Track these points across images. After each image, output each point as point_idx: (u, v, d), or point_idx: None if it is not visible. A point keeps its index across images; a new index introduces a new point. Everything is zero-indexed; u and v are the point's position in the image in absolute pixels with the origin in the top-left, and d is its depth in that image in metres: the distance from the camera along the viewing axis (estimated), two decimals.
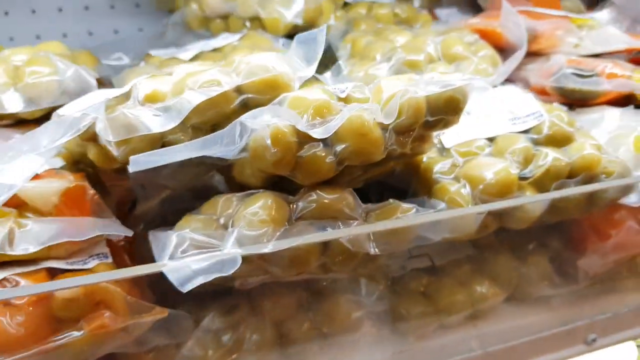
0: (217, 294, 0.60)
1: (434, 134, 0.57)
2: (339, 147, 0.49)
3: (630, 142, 0.64)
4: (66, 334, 0.47)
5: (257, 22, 0.79)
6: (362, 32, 0.80)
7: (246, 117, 0.46)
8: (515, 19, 0.71)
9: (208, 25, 0.86)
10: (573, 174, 0.60)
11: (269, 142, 0.46)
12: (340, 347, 0.62)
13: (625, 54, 0.79)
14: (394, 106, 0.49)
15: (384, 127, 0.51)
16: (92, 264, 0.51)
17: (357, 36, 0.78)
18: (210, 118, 0.50)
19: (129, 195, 0.66)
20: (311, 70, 0.52)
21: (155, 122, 0.48)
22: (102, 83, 0.74)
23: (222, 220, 0.50)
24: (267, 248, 0.47)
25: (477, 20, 0.80)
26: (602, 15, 0.93)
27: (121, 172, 0.53)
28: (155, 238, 0.49)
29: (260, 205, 0.49)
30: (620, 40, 0.75)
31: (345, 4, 0.91)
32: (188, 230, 0.48)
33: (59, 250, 0.50)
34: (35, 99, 0.61)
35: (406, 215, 0.53)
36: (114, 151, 0.48)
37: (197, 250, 0.47)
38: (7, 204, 0.47)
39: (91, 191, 0.52)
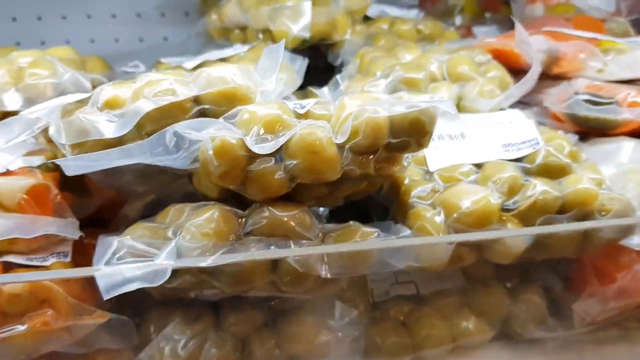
0: (184, 304, 0.60)
1: (405, 156, 0.54)
2: (290, 164, 0.48)
3: (638, 179, 0.58)
4: (9, 328, 0.48)
5: (268, 34, 0.79)
6: (374, 48, 0.78)
7: (184, 127, 0.45)
8: (528, 40, 0.66)
9: (228, 35, 0.87)
10: (566, 209, 0.55)
11: (211, 153, 0.46)
12: None
13: None
14: (347, 125, 0.47)
15: (341, 146, 0.49)
16: (50, 261, 0.53)
17: (366, 51, 0.76)
18: (166, 126, 0.50)
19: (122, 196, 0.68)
20: (270, 84, 0.51)
21: (109, 128, 0.49)
22: None
23: (170, 230, 0.50)
24: (201, 262, 0.46)
25: (493, 40, 0.76)
26: None
27: None
28: (102, 242, 0.49)
29: (206, 218, 0.48)
30: None
31: (368, 19, 0.89)
32: (129, 237, 0.48)
33: (20, 245, 0.52)
34: (34, 99, 0.64)
35: (365, 240, 0.51)
36: (68, 154, 0.49)
37: (134, 258, 0.47)
38: None
39: (55, 191, 0.54)
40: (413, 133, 0.50)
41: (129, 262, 0.46)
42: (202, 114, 0.51)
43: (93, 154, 0.44)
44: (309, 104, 0.51)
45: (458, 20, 1.09)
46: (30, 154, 0.59)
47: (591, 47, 0.69)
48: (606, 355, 0.64)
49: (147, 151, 0.44)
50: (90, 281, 0.53)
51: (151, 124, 0.49)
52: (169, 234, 0.49)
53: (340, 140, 0.48)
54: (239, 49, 0.78)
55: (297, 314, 0.60)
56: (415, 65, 0.68)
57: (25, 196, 0.52)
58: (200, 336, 0.58)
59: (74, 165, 0.44)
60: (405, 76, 0.67)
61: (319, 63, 0.91)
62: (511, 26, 1.04)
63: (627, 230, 0.55)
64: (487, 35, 1.01)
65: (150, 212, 0.59)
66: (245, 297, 0.60)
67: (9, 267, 0.50)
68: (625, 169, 0.60)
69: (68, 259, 0.54)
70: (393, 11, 0.91)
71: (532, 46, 0.65)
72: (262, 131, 0.47)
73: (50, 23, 1.21)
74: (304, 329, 0.59)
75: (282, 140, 0.47)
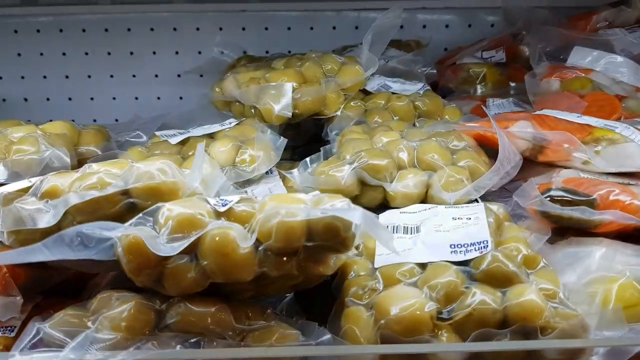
0: None
1: (331, 257, 0.52)
2: (203, 263, 0.48)
3: (602, 291, 0.53)
4: None
5: (258, 110, 0.81)
6: (355, 128, 0.77)
7: (92, 227, 0.47)
8: (500, 132, 0.63)
9: (229, 107, 0.90)
10: (507, 323, 0.51)
11: (120, 250, 0.47)
12: None
13: None
14: (255, 228, 0.47)
15: (256, 247, 0.49)
16: None
17: (347, 132, 0.76)
18: (97, 217, 0.52)
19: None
20: (194, 180, 0.52)
21: (44, 218, 0.51)
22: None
23: (92, 318, 0.51)
24: (109, 358, 0.47)
25: (475, 125, 0.73)
26: None
27: None
28: (28, 327, 0.51)
29: (119, 311, 0.49)
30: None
31: (368, 93, 0.89)
32: (48, 325, 0.50)
33: None
34: (20, 172, 0.69)
35: (279, 344, 0.50)
36: (5, 240, 0.52)
37: (48, 347, 0.48)
38: None
39: (4, 270, 0.57)
40: (329, 237, 0.49)
41: (39, 351, 0.48)
42: (131, 206, 0.52)
43: (2, 253, 0.47)
44: (232, 201, 0.51)
45: (480, 89, 1.06)
46: None
47: (574, 139, 0.64)
48: None
49: (47, 252, 0.46)
50: None
51: (80, 215, 0.52)
52: (89, 323, 0.51)
53: (244, 243, 0.47)
54: (227, 124, 0.80)
55: None
56: (381, 152, 0.67)
57: None
58: None
59: None
60: (369, 162, 0.65)
61: (321, 131, 0.91)
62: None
63: (576, 353, 0.50)
64: (501, 108, 0.98)
65: (119, 281, 0.61)
66: None
67: None
68: (591, 278, 0.55)
69: (13, 334, 0.57)
70: (395, 85, 0.89)
71: (503, 138, 0.62)
72: (174, 230, 0.48)
73: (99, 81, 1.31)
74: None
75: (190, 240, 0.47)
